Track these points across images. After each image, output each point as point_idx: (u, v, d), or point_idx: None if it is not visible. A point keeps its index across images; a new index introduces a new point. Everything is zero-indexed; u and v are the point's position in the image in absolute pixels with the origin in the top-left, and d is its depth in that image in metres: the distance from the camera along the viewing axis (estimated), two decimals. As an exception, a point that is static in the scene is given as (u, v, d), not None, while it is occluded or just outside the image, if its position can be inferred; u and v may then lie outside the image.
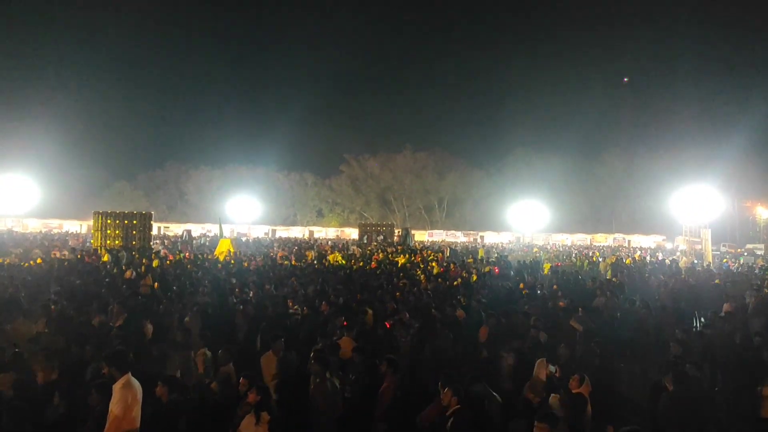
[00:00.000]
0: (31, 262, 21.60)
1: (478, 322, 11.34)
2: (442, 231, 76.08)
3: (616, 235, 73.01)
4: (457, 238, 71.39)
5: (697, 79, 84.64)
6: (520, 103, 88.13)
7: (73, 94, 70.65)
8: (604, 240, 71.24)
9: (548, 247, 54.11)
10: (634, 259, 34.37)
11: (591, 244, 66.97)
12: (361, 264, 25.31)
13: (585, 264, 31.34)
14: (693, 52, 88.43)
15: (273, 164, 79.22)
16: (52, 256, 25.50)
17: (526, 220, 66.80)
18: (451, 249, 40.31)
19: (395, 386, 7.33)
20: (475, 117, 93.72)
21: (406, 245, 38.87)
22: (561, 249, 51.79)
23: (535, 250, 47.80)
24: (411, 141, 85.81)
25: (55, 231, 56.45)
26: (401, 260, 26.84)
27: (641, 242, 67.69)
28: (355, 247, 38.68)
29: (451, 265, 24.73)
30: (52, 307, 11.17)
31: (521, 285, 17.82)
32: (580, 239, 71.56)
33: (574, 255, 40.01)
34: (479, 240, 69.03)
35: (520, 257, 35.11)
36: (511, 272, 23.89)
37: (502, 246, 55.88)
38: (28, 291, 14.28)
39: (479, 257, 31.83)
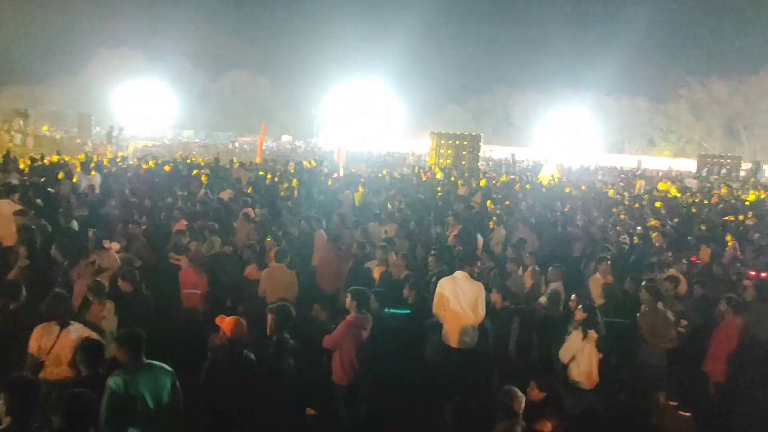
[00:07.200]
0: (380, 175, 24.61)
1: None
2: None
3: None
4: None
5: None
6: None
7: (413, 22, 76.17)
8: None
9: None
10: None
11: None
12: (698, 199, 22.91)
13: None
14: None
15: (602, 87, 74.99)
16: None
17: None
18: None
19: (737, 329, 6.70)
20: None
21: (756, 180, 33.92)
22: None
23: None
24: (771, 60, 72.04)
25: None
26: (750, 197, 23.58)
27: None
28: (691, 179, 35.08)
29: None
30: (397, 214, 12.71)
31: None
32: None
33: None
34: None
35: None
36: None
37: None
38: (379, 200, 16.45)
39: None
